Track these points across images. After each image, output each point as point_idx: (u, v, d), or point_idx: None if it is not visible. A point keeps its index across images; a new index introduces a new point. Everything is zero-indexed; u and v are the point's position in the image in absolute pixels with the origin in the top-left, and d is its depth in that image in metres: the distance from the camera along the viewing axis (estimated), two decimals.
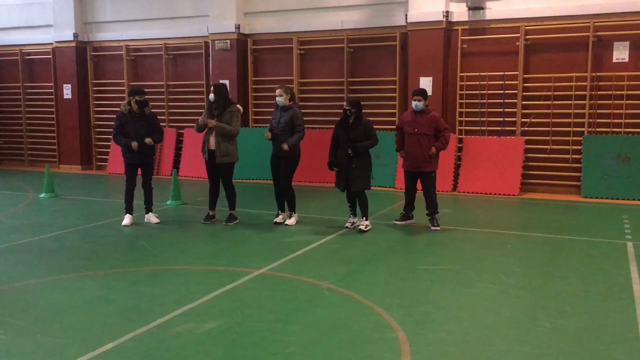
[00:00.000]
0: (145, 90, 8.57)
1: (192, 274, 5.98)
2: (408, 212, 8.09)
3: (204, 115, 8.01)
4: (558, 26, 10.57)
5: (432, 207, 7.81)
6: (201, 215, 8.42)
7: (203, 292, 5.26)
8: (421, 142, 7.70)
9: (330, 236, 7.46)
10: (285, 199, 8.15)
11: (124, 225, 8.08)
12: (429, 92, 11.14)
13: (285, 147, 7.74)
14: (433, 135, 7.75)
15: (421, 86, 11.10)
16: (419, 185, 7.98)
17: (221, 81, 11.99)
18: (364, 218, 7.71)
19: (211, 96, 7.97)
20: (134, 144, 7.84)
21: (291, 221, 8.14)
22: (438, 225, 7.77)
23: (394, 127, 11.54)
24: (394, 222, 8.09)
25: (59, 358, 3.97)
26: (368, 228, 7.66)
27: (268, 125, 8.24)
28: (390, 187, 11.25)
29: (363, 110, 7.64)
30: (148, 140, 7.90)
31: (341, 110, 7.69)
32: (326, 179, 11.96)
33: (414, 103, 7.80)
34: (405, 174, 8.00)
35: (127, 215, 8.21)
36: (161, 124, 8.63)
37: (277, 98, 8.00)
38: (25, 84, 15.29)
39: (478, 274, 5.87)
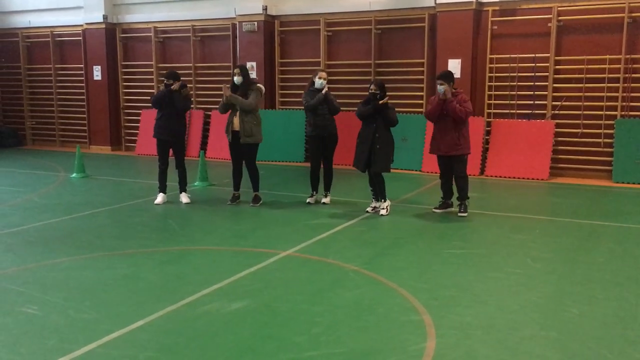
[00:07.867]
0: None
1: (219, 255, 6.06)
2: (446, 199, 7.87)
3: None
4: (591, 6, 10.31)
5: (461, 192, 7.64)
6: (228, 197, 8.49)
7: (230, 273, 5.33)
8: (451, 126, 7.43)
9: (356, 219, 7.46)
10: (328, 178, 8.30)
11: (156, 204, 8.27)
12: (457, 75, 11.01)
13: None
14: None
15: (450, 68, 10.96)
16: None
17: (248, 64, 11.97)
18: (382, 200, 7.69)
19: (238, 79, 7.96)
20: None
21: (328, 200, 8.32)
22: (465, 212, 7.59)
23: (421, 110, 11.54)
24: (433, 210, 7.84)
25: (91, 334, 4.06)
26: (388, 210, 7.63)
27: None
28: (416, 171, 11.17)
29: (388, 93, 7.59)
30: (175, 85, 8.10)
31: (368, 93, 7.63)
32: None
33: (438, 87, 7.52)
34: (438, 159, 7.77)
35: (160, 194, 8.42)
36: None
37: (322, 81, 8.01)
38: (57, 66, 15.51)
39: (505, 259, 5.83)
